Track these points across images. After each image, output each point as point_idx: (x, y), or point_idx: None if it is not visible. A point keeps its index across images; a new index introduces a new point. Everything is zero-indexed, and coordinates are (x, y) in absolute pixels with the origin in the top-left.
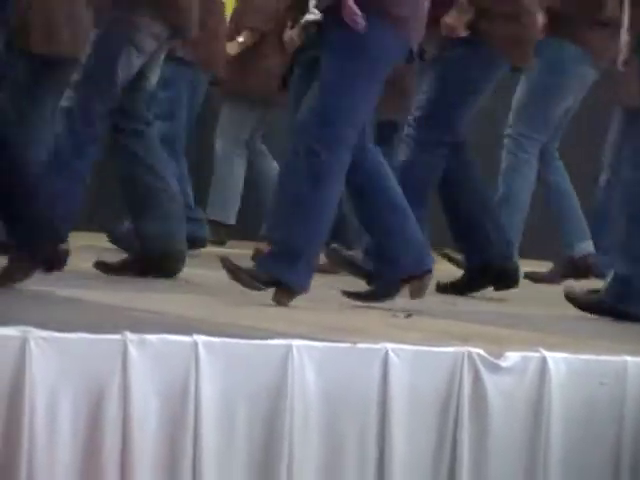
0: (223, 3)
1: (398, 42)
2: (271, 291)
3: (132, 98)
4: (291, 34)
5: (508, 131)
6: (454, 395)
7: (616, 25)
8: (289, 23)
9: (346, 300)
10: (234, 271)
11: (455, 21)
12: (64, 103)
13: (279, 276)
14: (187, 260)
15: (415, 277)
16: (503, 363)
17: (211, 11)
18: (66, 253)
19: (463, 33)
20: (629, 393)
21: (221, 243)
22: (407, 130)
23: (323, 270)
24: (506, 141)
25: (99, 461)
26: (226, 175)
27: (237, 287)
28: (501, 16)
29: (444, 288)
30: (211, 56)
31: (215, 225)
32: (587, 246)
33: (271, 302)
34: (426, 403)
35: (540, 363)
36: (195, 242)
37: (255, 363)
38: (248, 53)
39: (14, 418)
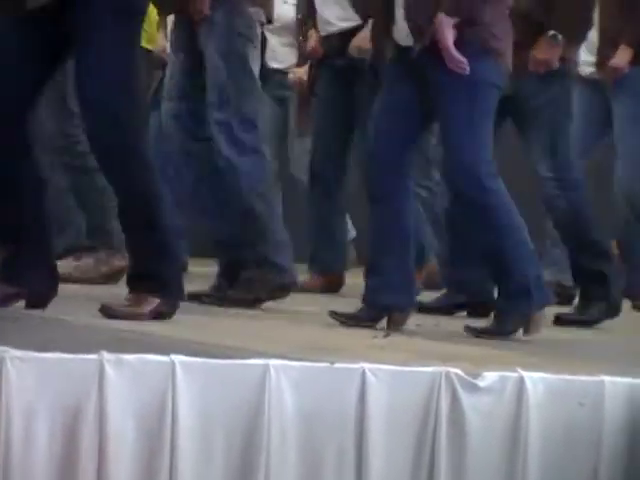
0: None
1: (500, 72)
2: (248, 311)
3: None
4: (314, 44)
5: None
6: (432, 415)
7: None
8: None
9: (326, 319)
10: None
11: (550, 55)
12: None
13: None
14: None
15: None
16: (481, 383)
17: None
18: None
19: (556, 65)
20: (607, 413)
21: None
22: None
23: (306, 288)
24: None
25: None
26: None
27: (216, 307)
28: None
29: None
30: None
31: None
32: None
33: (248, 320)
34: (404, 423)
35: (518, 383)
36: None
37: (232, 383)
38: None
39: None
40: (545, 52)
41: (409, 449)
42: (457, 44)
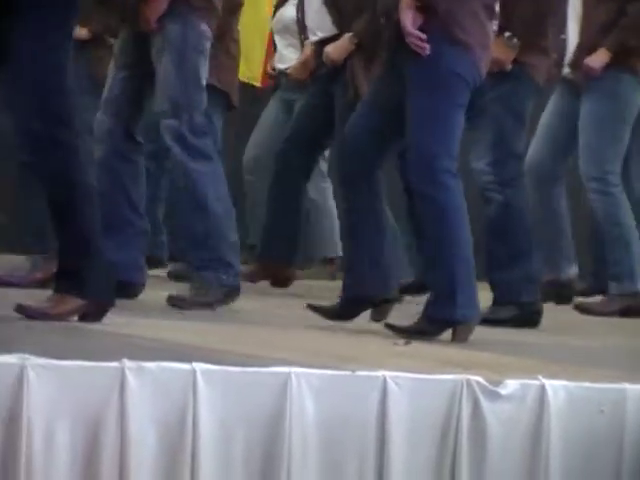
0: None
1: (469, 65)
2: (269, 319)
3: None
4: (308, 55)
5: (592, 173)
6: (453, 423)
7: None
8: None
9: (347, 326)
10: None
11: (504, 55)
12: None
13: (449, 318)
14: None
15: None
16: (502, 391)
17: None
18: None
19: (509, 67)
20: (628, 420)
21: None
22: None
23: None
24: (593, 185)
25: None
26: None
27: (236, 314)
28: (541, 50)
29: None
30: (233, 80)
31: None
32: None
33: (269, 328)
34: (425, 431)
35: (539, 391)
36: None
37: (253, 391)
38: None
39: (11, 446)
40: (500, 52)
41: (430, 457)
42: (424, 32)
